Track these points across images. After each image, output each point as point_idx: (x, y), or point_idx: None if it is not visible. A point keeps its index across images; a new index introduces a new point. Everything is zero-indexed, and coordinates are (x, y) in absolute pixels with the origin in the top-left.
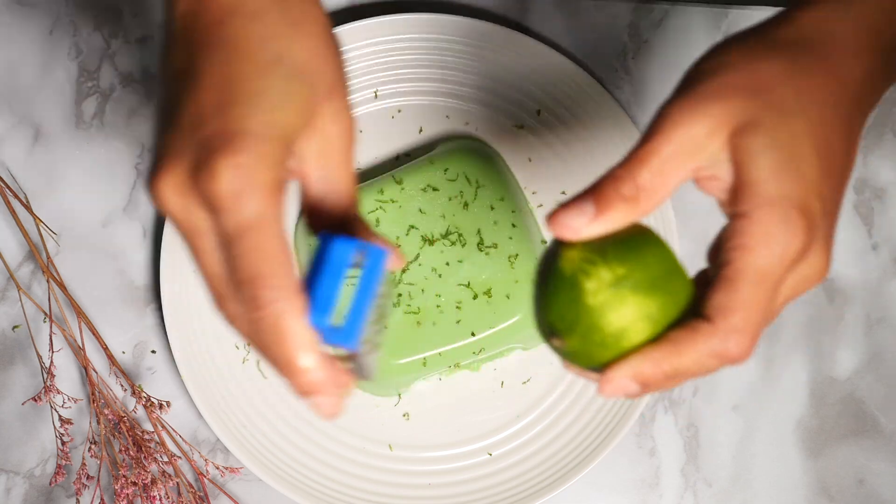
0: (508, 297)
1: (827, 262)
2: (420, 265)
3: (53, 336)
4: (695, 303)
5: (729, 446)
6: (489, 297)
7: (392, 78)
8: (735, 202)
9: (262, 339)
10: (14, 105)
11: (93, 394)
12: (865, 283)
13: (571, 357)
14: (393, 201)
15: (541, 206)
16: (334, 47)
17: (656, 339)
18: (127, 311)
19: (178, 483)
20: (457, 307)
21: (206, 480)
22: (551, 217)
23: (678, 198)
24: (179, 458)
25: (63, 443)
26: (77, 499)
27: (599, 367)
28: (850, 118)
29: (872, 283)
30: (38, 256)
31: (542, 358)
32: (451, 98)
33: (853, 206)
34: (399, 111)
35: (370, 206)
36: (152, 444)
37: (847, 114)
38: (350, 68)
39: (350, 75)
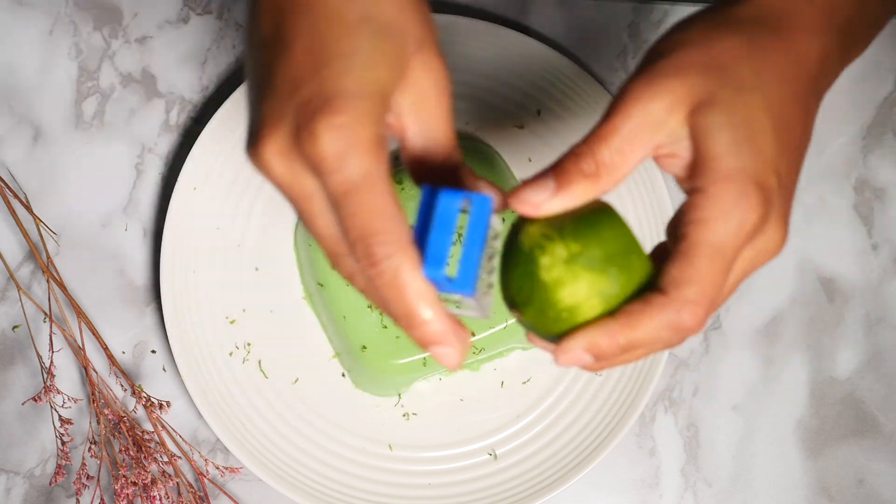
0: None
1: (783, 235)
2: None
3: (53, 336)
4: (653, 280)
5: (729, 446)
6: None
7: None
8: (693, 178)
9: (380, 295)
10: (14, 105)
11: (93, 394)
12: (865, 283)
13: (530, 329)
14: None
15: None
16: (419, 1)
17: (613, 313)
18: (127, 311)
19: (178, 483)
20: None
21: (206, 480)
22: (513, 192)
23: (678, 198)
24: (179, 458)
25: (63, 443)
26: (77, 499)
27: (557, 338)
28: (806, 96)
29: (872, 283)
30: (38, 256)
31: (542, 358)
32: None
33: (853, 206)
34: None
35: None
36: (152, 444)
37: (804, 91)
38: None
39: None
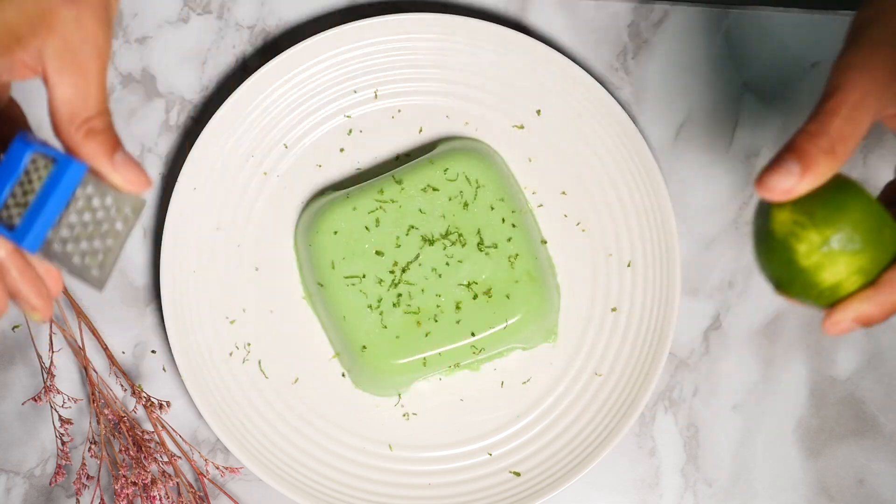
0: (508, 297)
1: None
2: (420, 265)
3: (53, 336)
4: None
5: (729, 446)
6: (489, 297)
7: (392, 78)
8: None
9: None
10: None
11: (93, 394)
12: None
13: (797, 301)
14: (393, 201)
15: (541, 206)
16: None
17: (874, 282)
18: (127, 311)
19: (178, 483)
20: (457, 307)
21: (206, 480)
22: (760, 181)
23: (678, 198)
24: (179, 458)
25: (63, 443)
26: (77, 499)
27: (822, 307)
28: None
29: None
30: None
31: (542, 358)
32: (451, 98)
33: None
34: (399, 111)
35: (370, 207)
36: (152, 444)
37: None
38: (350, 68)
39: (350, 75)
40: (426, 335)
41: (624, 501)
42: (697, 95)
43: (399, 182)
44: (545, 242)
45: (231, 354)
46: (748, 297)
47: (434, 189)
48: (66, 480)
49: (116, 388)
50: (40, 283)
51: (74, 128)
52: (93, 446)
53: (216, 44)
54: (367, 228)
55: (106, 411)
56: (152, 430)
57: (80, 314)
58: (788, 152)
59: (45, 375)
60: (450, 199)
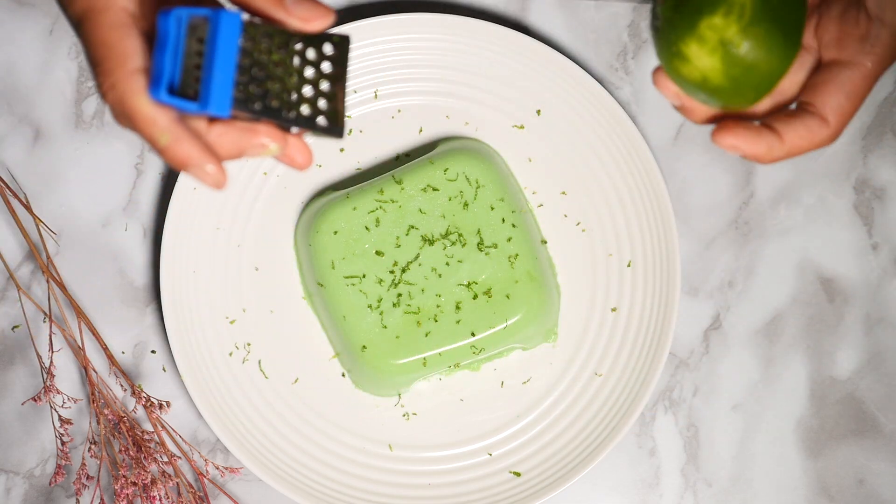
0: (508, 297)
1: None
2: (420, 265)
3: (53, 336)
4: None
5: (729, 446)
6: (489, 297)
7: (392, 78)
8: None
9: (124, 124)
10: (14, 105)
11: (93, 394)
12: (865, 283)
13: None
14: (393, 201)
15: (541, 206)
16: None
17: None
18: (127, 311)
19: (178, 483)
20: (457, 307)
21: (206, 480)
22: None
23: (678, 198)
24: (179, 458)
25: (63, 443)
26: (77, 499)
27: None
28: None
29: (872, 283)
30: (37, 256)
31: (542, 358)
32: (451, 98)
33: (853, 206)
34: (399, 111)
35: (370, 206)
36: (152, 444)
37: None
38: (350, 68)
39: (350, 75)
40: (426, 335)
41: (624, 501)
42: None
43: (399, 182)
44: (545, 242)
45: (231, 354)
46: (748, 297)
47: (434, 189)
48: (65, 480)
49: (116, 389)
50: (206, 150)
51: None
52: (93, 446)
53: None
54: (367, 228)
55: (106, 411)
56: (152, 430)
57: (80, 314)
58: None
59: (45, 375)
60: (450, 199)
